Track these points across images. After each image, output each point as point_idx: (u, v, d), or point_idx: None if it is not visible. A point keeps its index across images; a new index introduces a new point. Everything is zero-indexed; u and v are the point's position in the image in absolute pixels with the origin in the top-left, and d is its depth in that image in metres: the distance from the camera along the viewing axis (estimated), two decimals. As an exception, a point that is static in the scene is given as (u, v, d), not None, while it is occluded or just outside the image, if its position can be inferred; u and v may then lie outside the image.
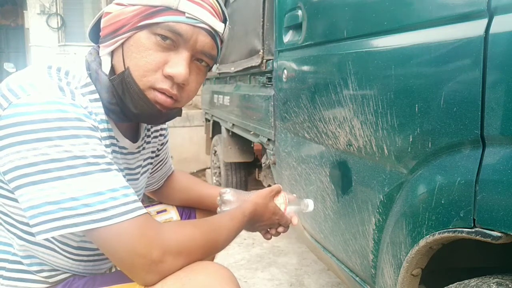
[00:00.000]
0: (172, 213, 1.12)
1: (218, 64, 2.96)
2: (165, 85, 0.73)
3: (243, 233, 0.92)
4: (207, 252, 0.74)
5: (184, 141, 4.87)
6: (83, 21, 6.95)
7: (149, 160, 0.97)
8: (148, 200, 1.23)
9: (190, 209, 1.15)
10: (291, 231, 1.19)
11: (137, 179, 0.91)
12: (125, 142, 0.83)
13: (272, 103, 1.77)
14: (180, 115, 0.83)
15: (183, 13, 0.71)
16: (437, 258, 0.84)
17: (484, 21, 0.67)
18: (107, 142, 0.76)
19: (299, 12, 1.41)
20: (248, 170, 3.18)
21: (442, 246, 0.79)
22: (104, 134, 0.74)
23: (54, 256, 0.76)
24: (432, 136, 0.78)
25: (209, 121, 3.58)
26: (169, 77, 0.72)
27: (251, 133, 2.19)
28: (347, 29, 1.11)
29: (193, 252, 0.71)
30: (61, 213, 0.62)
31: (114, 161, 0.76)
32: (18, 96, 0.63)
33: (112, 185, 0.65)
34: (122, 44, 0.73)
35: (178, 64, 0.72)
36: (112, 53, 0.75)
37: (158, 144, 1.02)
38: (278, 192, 1.01)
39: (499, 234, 0.64)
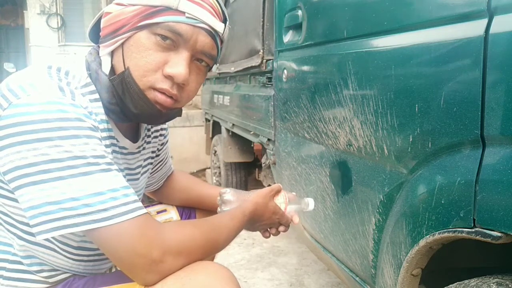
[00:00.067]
0: (172, 213, 1.12)
1: (218, 64, 2.96)
2: (165, 85, 0.73)
3: (243, 233, 0.92)
4: (207, 252, 0.74)
5: (184, 141, 4.87)
6: (83, 21, 6.95)
7: (149, 160, 0.97)
8: (148, 200, 1.23)
9: (190, 209, 1.15)
10: (291, 231, 1.19)
11: (137, 179, 0.91)
12: (125, 142, 0.83)
13: (272, 103, 1.77)
14: (180, 115, 0.83)
15: (183, 13, 0.71)
16: (437, 258, 0.84)
17: (484, 21, 0.67)
18: (107, 142, 0.76)
19: (299, 12, 1.41)
20: (248, 170, 3.18)
21: (442, 246, 0.79)
22: (104, 134, 0.74)
23: (54, 256, 0.76)
24: (432, 136, 0.78)
25: (209, 121, 3.58)
26: (169, 77, 0.72)
27: (251, 133, 2.19)
28: (347, 29, 1.11)
29: (193, 252, 0.71)
30: (61, 213, 0.62)
31: (114, 161, 0.76)
32: (18, 96, 0.63)
33: (112, 185, 0.65)
34: (122, 44, 0.73)
35: (178, 64, 0.72)
36: (112, 53, 0.75)
37: (158, 144, 1.02)
38: (278, 192, 1.01)
39: (499, 234, 0.64)
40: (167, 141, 1.07)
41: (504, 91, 0.64)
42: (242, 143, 2.85)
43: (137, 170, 0.90)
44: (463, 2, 0.72)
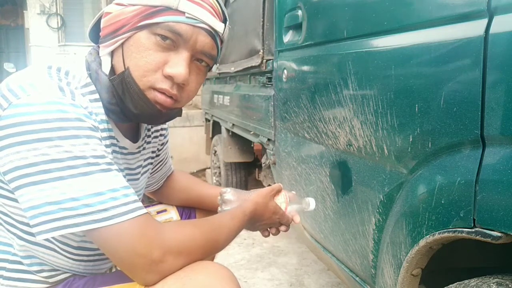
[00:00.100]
0: (172, 213, 1.12)
1: (218, 64, 2.96)
2: (165, 85, 0.73)
3: (243, 233, 0.92)
4: (208, 251, 0.74)
5: (184, 141, 4.87)
6: (83, 21, 6.94)
7: (150, 160, 0.97)
8: (148, 200, 1.23)
9: (190, 209, 1.15)
10: (291, 231, 1.19)
11: (138, 179, 0.91)
12: (125, 142, 0.83)
13: (272, 103, 1.77)
14: (180, 115, 0.83)
15: (183, 13, 0.71)
16: (437, 258, 0.84)
17: (484, 21, 0.67)
18: (107, 142, 0.76)
19: (299, 12, 1.41)
20: (248, 170, 3.18)
21: (442, 246, 0.79)
22: (104, 134, 0.74)
23: (54, 256, 0.76)
24: (432, 136, 0.78)
25: (209, 121, 3.58)
26: (169, 77, 0.72)
27: (251, 133, 2.19)
28: (347, 29, 1.11)
29: (193, 252, 0.71)
30: (61, 213, 0.62)
31: (114, 161, 0.76)
32: (18, 96, 0.63)
33: (112, 185, 0.65)
34: (122, 44, 0.73)
35: (178, 64, 0.72)
36: (112, 53, 0.75)
37: (158, 144, 1.02)
38: (278, 191, 1.01)
39: (499, 234, 0.64)
40: (167, 141, 1.07)
41: (504, 91, 0.64)
42: (242, 143, 2.85)
43: (137, 170, 0.90)
44: (463, 2, 0.72)
